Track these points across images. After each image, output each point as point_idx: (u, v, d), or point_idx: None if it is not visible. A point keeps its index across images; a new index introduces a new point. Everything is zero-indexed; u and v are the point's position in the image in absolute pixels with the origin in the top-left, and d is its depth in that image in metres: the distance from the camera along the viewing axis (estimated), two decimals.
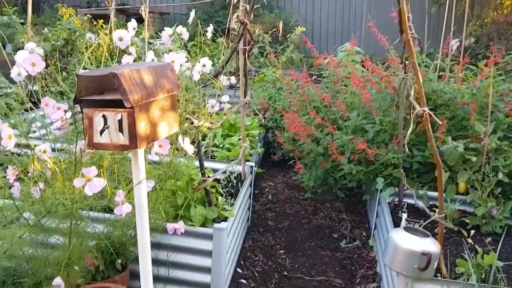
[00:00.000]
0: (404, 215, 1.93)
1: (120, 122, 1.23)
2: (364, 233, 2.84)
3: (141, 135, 1.24)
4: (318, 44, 8.21)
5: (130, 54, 1.64)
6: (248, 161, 2.79)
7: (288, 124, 3.12)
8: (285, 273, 2.41)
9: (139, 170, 1.34)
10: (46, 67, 1.63)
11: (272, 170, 3.81)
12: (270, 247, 2.65)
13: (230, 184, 2.57)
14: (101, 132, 1.26)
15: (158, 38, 2.73)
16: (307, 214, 3.03)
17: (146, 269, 1.34)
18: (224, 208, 2.14)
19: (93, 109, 1.25)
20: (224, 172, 2.54)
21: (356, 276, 2.40)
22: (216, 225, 1.95)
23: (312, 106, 3.00)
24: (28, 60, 1.57)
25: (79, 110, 1.27)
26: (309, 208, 3.10)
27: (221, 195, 2.18)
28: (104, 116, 1.24)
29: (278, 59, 5.68)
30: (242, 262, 2.46)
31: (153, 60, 1.76)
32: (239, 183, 2.61)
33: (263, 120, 3.66)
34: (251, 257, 2.55)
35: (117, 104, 1.23)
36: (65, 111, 1.48)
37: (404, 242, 1.66)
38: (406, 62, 2.32)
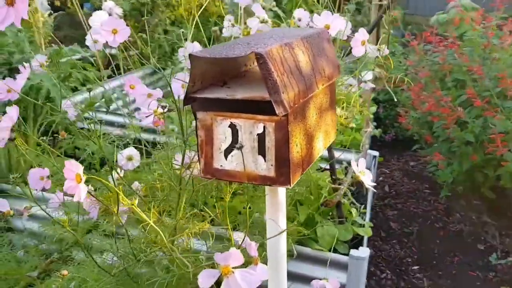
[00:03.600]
0: None
1: (261, 138, 0.71)
2: None
3: (295, 160, 0.71)
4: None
5: (255, 16, 1.09)
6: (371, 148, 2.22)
7: (415, 101, 2.48)
8: None
9: (278, 210, 0.83)
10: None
11: (384, 152, 3.19)
12: (399, 260, 2.09)
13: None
14: (227, 152, 0.74)
15: None
16: (439, 215, 2.42)
17: None
18: (356, 222, 1.61)
19: (213, 113, 0.73)
20: (340, 164, 1.99)
21: None
22: (354, 252, 1.42)
23: (452, 78, 2.32)
24: (108, 25, 1.07)
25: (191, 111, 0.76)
26: (440, 207, 2.48)
27: (354, 204, 1.63)
28: (233, 127, 0.72)
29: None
30: (365, 280, 1.94)
31: (263, 21, 1.20)
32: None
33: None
34: (376, 273, 2.01)
35: (251, 107, 0.71)
36: (162, 106, 0.98)
37: None
38: None
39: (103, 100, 1.63)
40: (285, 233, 0.87)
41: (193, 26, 1.31)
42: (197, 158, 0.76)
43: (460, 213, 2.43)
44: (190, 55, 0.68)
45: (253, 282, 0.55)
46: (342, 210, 1.54)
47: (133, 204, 0.63)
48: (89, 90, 1.08)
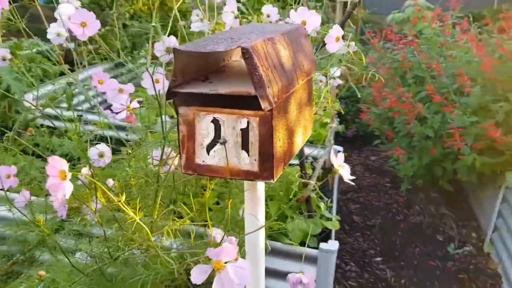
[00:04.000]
0: None
1: (245, 133, 0.71)
2: (474, 235, 2.30)
3: (278, 154, 0.72)
4: None
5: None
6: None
7: (377, 97, 2.55)
8: None
9: (258, 205, 0.83)
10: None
11: (345, 147, 3.24)
12: (362, 253, 2.15)
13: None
14: (209, 148, 0.73)
15: None
16: (399, 207, 2.50)
17: None
18: (324, 216, 1.64)
19: (196, 108, 0.72)
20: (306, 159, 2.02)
21: None
22: (323, 245, 1.44)
23: (412, 75, 2.40)
24: (76, 18, 1.04)
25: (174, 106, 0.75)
26: (401, 200, 2.56)
27: (322, 198, 1.66)
28: (216, 122, 0.72)
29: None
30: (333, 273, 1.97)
31: (237, 17, 1.20)
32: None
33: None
34: (341, 265, 2.06)
35: (234, 101, 0.70)
36: (138, 101, 0.96)
37: None
38: None
39: (66, 95, 1.57)
40: (263, 228, 0.87)
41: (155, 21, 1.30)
42: (178, 154, 0.75)
43: (419, 205, 2.52)
44: (174, 49, 0.66)
45: (244, 277, 0.55)
46: (312, 205, 1.56)
47: (119, 201, 0.61)
48: (70, 84, 1.04)
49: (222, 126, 0.71)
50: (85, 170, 1.05)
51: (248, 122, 0.69)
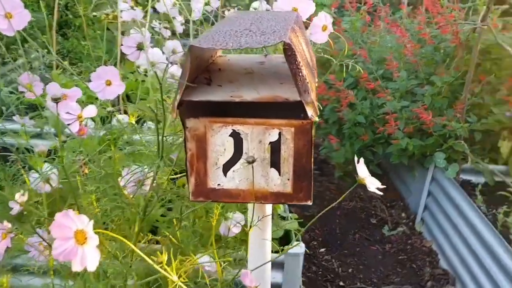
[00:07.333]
0: None
1: (275, 147, 0.57)
2: (403, 215, 2.38)
3: (310, 170, 0.60)
4: None
5: None
6: None
7: None
8: (340, 283, 1.89)
9: (266, 224, 0.71)
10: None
11: None
12: (306, 245, 2.08)
13: None
14: (227, 167, 0.59)
15: None
16: (332, 194, 2.50)
17: None
18: (280, 216, 1.55)
19: (208, 119, 0.57)
20: None
21: (423, 277, 1.94)
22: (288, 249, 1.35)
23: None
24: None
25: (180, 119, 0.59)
26: (332, 187, 2.57)
27: None
28: (236, 135, 0.57)
29: None
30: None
31: (207, 3, 1.04)
32: None
33: None
34: None
35: (260, 109, 0.57)
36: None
37: None
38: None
39: None
40: (269, 250, 0.75)
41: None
42: (186, 177, 0.59)
43: (348, 189, 2.54)
44: (191, 46, 0.51)
45: None
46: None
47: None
48: None
49: (244, 140, 0.57)
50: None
51: (280, 134, 0.56)
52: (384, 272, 1.96)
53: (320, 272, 1.96)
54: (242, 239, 1.41)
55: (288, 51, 0.51)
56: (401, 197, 2.51)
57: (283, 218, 1.55)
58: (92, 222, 0.36)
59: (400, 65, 2.23)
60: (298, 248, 1.34)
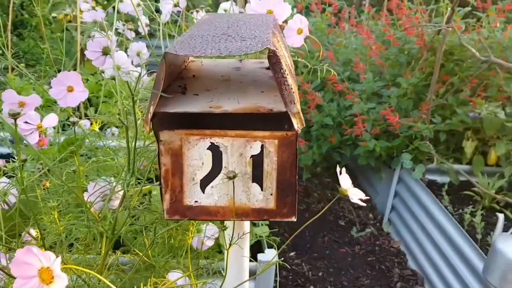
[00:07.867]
0: (501, 216, 1.48)
1: (257, 160, 0.54)
2: (370, 215, 2.40)
3: (294, 184, 0.57)
4: None
5: None
6: None
7: None
8: (311, 287, 1.87)
9: (245, 240, 0.68)
10: None
11: None
12: (275, 250, 2.07)
13: None
14: (204, 183, 0.55)
15: None
16: (300, 197, 2.49)
17: None
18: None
19: (185, 131, 0.53)
20: None
21: (392, 278, 1.95)
22: (261, 256, 1.32)
23: (305, 64, 2.37)
24: None
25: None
26: (300, 189, 2.55)
27: None
28: (214, 148, 0.53)
29: None
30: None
31: (176, 5, 0.99)
32: None
33: None
34: None
35: (242, 121, 0.53)
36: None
37: None
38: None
39: None
40: (247, 267, 0.72)
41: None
42: (160, 194, 0.55)
43: (317, 192, 2.54)
44: (165, 53, 0.46)
45: None
46: None
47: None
48: None
49: (224, 154, 0.53)
50: None
51: (262, 147, 0.52)
52: (354, 275, 1.96)
53: (290, 277, 1.93)
54: (214, 249, 1.36)
55: (273, 58, 0.47)
56: (368, 198, 2.53)
57: (254, 224, 1.51)
58: (59, 259, 0.31)
59: (366, 66, 2.24)
60: (270, 255, 1.31)
